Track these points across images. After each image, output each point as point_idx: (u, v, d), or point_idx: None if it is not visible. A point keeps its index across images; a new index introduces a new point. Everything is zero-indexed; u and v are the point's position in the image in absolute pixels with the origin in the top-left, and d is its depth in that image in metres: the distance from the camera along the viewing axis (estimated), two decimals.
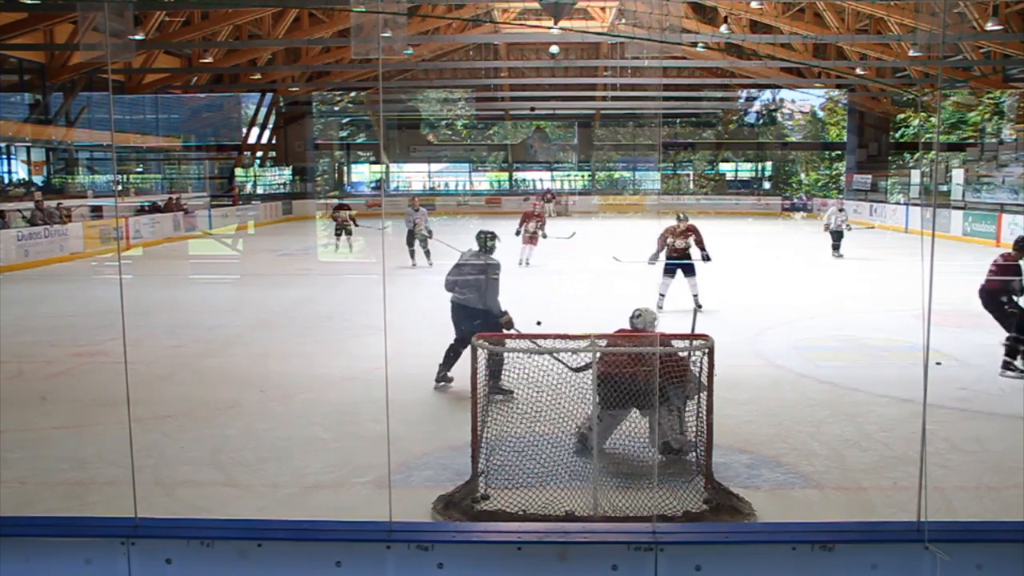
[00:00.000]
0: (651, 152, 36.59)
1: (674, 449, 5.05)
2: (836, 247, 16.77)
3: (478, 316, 6.70)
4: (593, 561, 2.81)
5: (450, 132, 37.48)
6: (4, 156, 22.38)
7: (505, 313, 6.68)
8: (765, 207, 33.33)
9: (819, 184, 35.08)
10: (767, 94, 35.57)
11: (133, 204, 22.48)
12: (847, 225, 16.79)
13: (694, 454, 5.03)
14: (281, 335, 9.65)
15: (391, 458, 4.86)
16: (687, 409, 5.09)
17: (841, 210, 17.06)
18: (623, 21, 22.55)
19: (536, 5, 19.85)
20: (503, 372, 5.34)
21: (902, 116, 30.82)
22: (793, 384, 7.26)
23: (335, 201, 34.14)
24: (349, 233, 17.12)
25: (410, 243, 14.65)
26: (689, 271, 10.36)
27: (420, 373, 7.03)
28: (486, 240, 7.13)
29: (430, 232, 14.61)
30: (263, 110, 31.97)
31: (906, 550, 2.78)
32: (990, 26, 17.83)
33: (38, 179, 22.85)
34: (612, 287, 12.89)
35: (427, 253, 14.56)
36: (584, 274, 13.93)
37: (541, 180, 36.78)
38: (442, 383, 6.85)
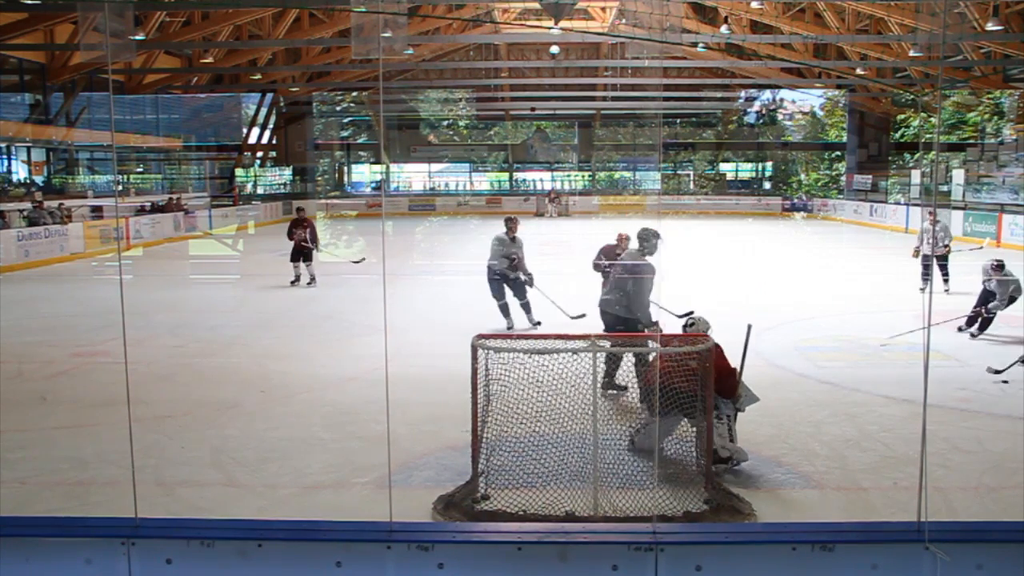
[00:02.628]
0: (651, 152, 36.60)
1: (723, 458, 5.03)
2: (925, 278, 10.95)
3: (621, 324, 6.09)
4: (593, 561, 2.81)
5: (451, 132, 37.49)
6: (4, 156, 22.39)
7: (655, 324, 6.03)
8: (765, 207, 33.35)
9: (819, 184, 35.10)
10: (767, 94, 35.60)
11: (133, 204, 22.49)
12: (946, 245, 11.47)
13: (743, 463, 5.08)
14: (281, 335, 9.65)
15: (391, 458, 4.86)
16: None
17: (936, 222, 11.98)
18: (623, 21, 22.55)
19: (536, 5, 19.87)
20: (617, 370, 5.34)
21: (902, 116, 30.84)
22: (793, 384, 7.25)
23: (335, 201, 34.59)
24: (309, 259, 13.07)
25: (500, 295, 9.43)
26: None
27: (420, 373, 7.03)
28: (648, 239, 6.27)
29: (529, 277, 9.43)
30: (263, 110, 31.99)
31: (906, 550, 2.78)
32: (990, 26, 17.83)
33: (38, 179, 22.87)
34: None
35: (526, 308, 9.47)
36: (585, 275, 13.95)
37: (541, 180, 36.81)
38: (612, 391, 5.92)
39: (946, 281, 11.48)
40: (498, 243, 9.44)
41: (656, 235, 6.35)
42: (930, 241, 11.15)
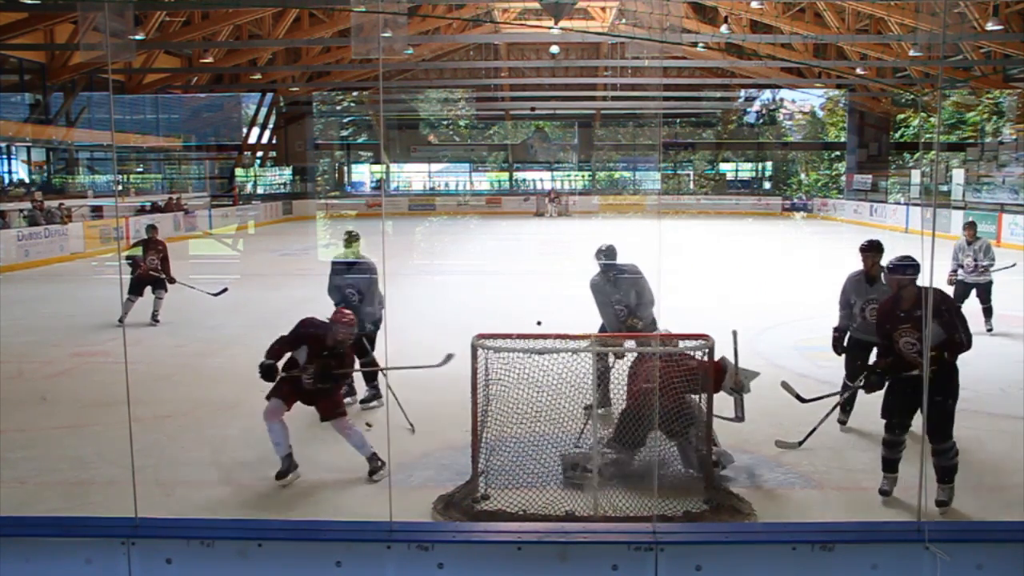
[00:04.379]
0: (651, 152, 36.57)
1: (713, 463, 4.97)
2: (986, 313, 8.59)
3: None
4: (593, 561, 2.81)
5: (451, 132, 37.49)
6: (4, 156, 22.38)
7: (639, 319, 6.25)
8: (765, 207, 33.35)
9: (819, 184, 35.11)
10: (767, 94, 35.58)
11: (133, 204, 22.49)
12: (987, 267, 8.58)
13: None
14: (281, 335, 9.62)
15: (391, 458, 4.86)
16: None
17: (977, 238, 8.77)
18: (623, 21, 22.54)
19: (536, 5, 19.85)
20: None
21: (902, 116, 30.84)
22: (793, 384, 7.22)
23: (335, 201, 34.61)
24: (161, 289, 10.20)
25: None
26: None
27: (420, 373, 7.00)
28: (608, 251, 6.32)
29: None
30: (263, 110, 31.98)
31: (906, 550, 2.78)
32: (990, 26, 17.82)
33: (39, 179, 22.86)
34: None
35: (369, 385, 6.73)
36: (585, 275, 13.93)
37: (541, 180, 36.81)
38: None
39: (989, 318, 8.63)
40: (332, 273, 6.77)
41: (613, 252, 6.50)
42: (970, 262, 8.59)
